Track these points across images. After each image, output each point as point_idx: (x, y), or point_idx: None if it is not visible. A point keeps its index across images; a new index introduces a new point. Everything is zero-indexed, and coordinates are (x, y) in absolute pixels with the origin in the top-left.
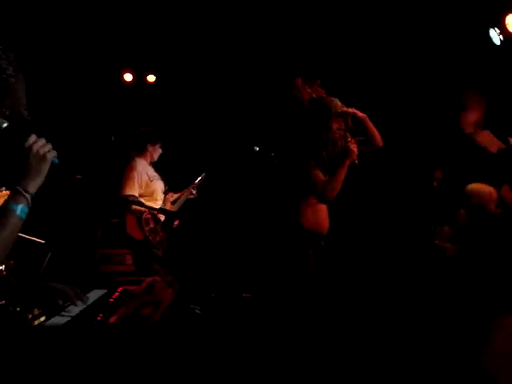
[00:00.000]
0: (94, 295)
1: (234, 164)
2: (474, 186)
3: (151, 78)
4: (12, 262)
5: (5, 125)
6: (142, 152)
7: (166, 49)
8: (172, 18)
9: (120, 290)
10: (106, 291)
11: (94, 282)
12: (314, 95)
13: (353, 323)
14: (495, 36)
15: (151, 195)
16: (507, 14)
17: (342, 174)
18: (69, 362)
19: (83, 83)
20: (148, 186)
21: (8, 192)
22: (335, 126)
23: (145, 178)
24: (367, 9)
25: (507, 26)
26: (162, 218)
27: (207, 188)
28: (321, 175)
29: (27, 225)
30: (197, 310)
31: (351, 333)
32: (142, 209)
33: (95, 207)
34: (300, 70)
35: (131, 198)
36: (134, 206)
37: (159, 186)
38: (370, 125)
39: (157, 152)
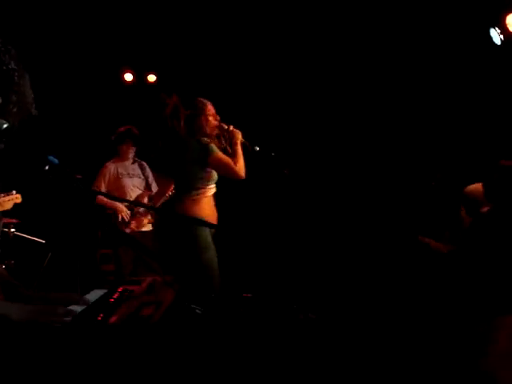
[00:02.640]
0: (94, 295)
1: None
2: (473, 187)
3: (151, 78)
4: (12, 261)
5: (5, 125)
6: (115, 153)
7: (166, 48)
8: (172, 18)
9: (120, 289)
10: (106, 291)
11: (94, 282)
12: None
13: (354, 324)
14: (496, 36)
15: (118, 190)
16: (508, 14)
17: (241, 153)
18: (69, 362)
19: (83, 83)
20: (115, 183)
21: (17, 195)
22: (212, 119)
23: (114, 174)
24: (367, 8)
25: (508, 26)
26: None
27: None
28: (226, 156)
29: (27, 225)
30: (197, 310)
31: (352, 333)
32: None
33: (95, 207)
34: (300, 70)
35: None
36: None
37: (130, 182)
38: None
39: (128, 151)
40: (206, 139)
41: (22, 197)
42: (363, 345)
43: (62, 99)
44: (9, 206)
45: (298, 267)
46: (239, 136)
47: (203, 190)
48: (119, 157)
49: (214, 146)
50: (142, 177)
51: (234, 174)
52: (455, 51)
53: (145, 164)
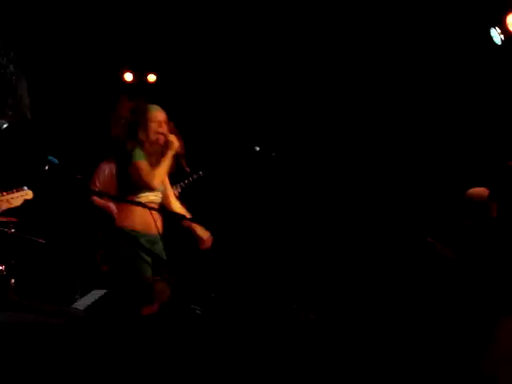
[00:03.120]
0: (94, 295)
1: (235, 164)
2: (475, 190)
3: (152, 78)
4: (12, 261)
5: (5, 126)
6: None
7: (166, 48)
8: (172, 18)
9: (120, 289)
10: (106, 291)
11: (94, 281)
12: (134, 104)
13: (354, 324)
14: (496, 35)
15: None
16: (508, 14)
17: (166, 163)
18: (69, 360)
19: (83, 83)
20: (111, 183)
21: (27, 191)
22: (154, 126)
23: (109, 174)
24: (367, 8)
25: (508, 26)
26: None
27: (208, 188)
28: (145, 164)
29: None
30: (197, 310)
31: (352, 333)
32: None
33: (96, 207)
34: (300, 70)
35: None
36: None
37: None
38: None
39: None
40: (134, 146)
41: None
42: (363, 345)
43: (62, 99)
44: (18, 202)
45: (298, 267)
46: (173, 148)
47: (132, 198)
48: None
49: (138, 153)
50: None
51: (144, 182)
52: (455, 51)
53: None
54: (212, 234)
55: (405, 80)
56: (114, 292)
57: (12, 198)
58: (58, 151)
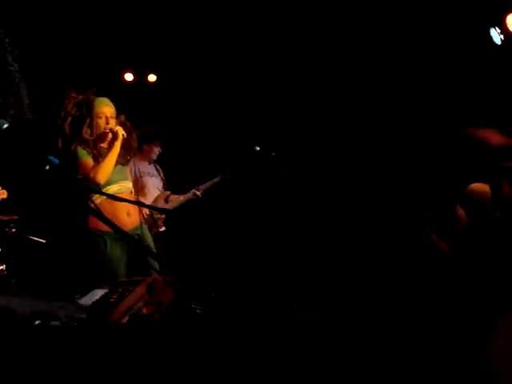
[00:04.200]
0: (95, 295)
1: (235, 164)
2: (476, 186)
3: (152, 78)
4: (13, 261)
5: (5, 126)
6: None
7: (166, 48)
8: (173, 18)
9: (120, 289)
10: (106, 291)
11: (94, 281)
12: (81, 99)
13: (354, 323)
14: (496, 35)
15: (140, 190)
16: (508, 14)
17: (112, 156)
18: (69, 361)
19: (84, 83)
20: (136, 181)
21: (2, 191)
22: (100, 122)
23: (133, 172)
24: (368, 8)
25: (508, 26)
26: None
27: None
28: (90, 161)
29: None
30: (198, 310)
31: (352, 332)
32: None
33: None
34: (300, 70)
35: None
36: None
37: (151, 182)
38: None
39: (153, 151)
40: (77, 145)
41: (22, 196)
42: (364, 344)
43: (62, 99)
44: None
45: (298, 267)
46: (119, 139)
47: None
48: (141, 155)
49: (80, 152)
50: (160, 177)
51: (91, 179)
52: (455, 51)
53: (158, 166)
54: (212, 233)
55: (405, 80)
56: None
57: None
58: (59, 151)
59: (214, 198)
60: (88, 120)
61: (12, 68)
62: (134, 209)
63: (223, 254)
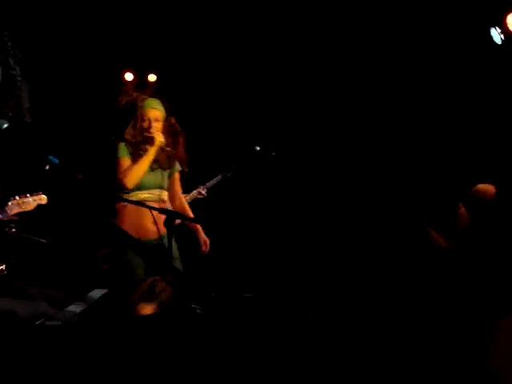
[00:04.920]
0: (95, 295)
1: (236, 163)
2: (481, 187)
3: (152, 78)
4: (13, 261)
5: (5, 125)
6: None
7: (167, 48)
8: (173, 18)
9: (120, 289)
10: (106, 291)
11: (95, 281)
12: (134, 96)
13: (354, 323)
14: (496, 35)
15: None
16: (508, 14)
17: (143, 163)
18: (70, 360)
19: (84, 83)
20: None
21: (41, 196)
22: (143, 125)
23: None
24: (368, 8)
25: (508, 26)
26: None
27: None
28: (127, 161)
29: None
30: (198, 310)
31: (352, 332)
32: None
33: (96, 207)
34: (300, 70)
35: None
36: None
37: None
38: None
39: None
40: (120, 141)
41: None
42: (364, 344)
43: (62, 99)
44: (31, 207)
45: (298, 267)
46: (155, 145)
47: (125, 196)
48: None
49: (122, 149)
50: None
51: (118, 181)
52: (456, 51)
53: None
54: (212, 233)
55: (405, 79)
56: (112, 291)
57: (23, 203)
58: (59, 151)
59: (214, 198)
60: (132, 122)
61: (14, 72)
62: (161, 217)
63: (223, 254)
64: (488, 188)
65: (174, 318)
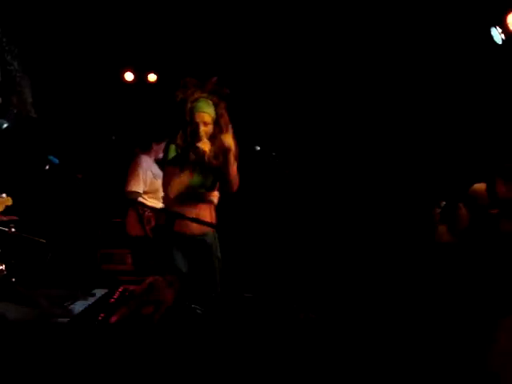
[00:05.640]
0: (95, 294)
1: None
2: (478, 186)
3: (152, 78)
4: (13, 261)
5: (5, 125)
6: (146, 149)
7: (166, 48)
8: (173, 18)
9: (121, 289)
10: (106, 291)
11: (95, 281)
12: (187, 94)
13: (355, 323)
14: (497, 35)
15: (155, 193)
16: (509, 13)
17: (185, 174)
18: (69, 361)
19: (84, 82)
20: (152, 184)
21: (7, 198)
22: (192, 128)
23: (149, 175)
24: (368, 8)
25: (509, 25)
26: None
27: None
28: (171, 169)
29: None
30: (198, 310)
31: (352, 332)
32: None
33: (96, 206)
34: (300, 70)
35: (135, 195)
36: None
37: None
38: (230, 160)
39: (161, 150)
40: (170, 142)
41: (23, 196)
42: (364, 344)
43: (62, 99)
44: None
45: (298, 267)
46: (199, 155)
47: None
48: (150, 154)
49: (171, 151)
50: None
51: (163, 187)
52: (456, 50)
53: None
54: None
55: (405, 79)
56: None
57: None
58: (59, 151)
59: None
60: (183, 125)
61: (11, 67)
62: (203, 214)
63: (223, 254)
64: (484, 187)
65: (173, 318)
